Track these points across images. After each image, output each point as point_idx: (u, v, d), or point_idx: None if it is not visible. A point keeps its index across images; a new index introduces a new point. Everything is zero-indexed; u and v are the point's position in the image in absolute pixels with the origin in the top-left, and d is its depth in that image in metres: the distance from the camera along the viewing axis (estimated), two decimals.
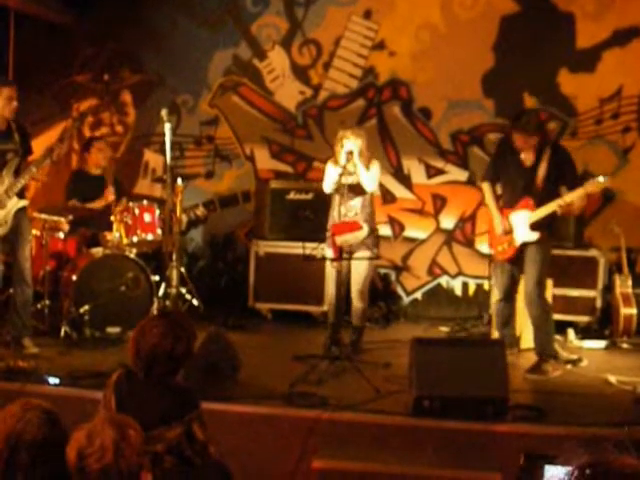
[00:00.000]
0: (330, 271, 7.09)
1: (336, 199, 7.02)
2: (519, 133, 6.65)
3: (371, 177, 6.95)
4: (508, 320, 7.10)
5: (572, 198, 6.52)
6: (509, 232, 6.75)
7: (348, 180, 6.86)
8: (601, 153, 8.68)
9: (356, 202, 6.98)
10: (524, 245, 6.72)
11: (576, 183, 6.62)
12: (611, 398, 6.08)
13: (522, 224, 6.69)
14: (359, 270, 7.04)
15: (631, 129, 8.74)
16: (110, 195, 7.92)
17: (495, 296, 7.17)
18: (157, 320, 3.97)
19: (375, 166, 7.03)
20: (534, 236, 6.65)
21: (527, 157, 6.74)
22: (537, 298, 6.70)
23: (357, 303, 7.18)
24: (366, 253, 6.95)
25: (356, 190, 6.95)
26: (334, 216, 7.04)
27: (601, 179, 6.44)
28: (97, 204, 7.94)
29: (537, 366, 6.65)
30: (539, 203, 6.63)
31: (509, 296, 7.03)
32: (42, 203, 8.12)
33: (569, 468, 2.19)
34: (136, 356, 3.86)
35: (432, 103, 9.08)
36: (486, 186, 7.05)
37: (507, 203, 6.86)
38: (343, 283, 6.98)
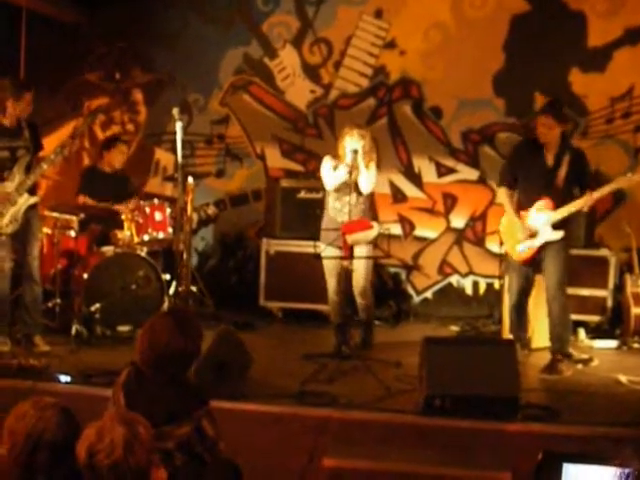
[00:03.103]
0: (329, 271, 7.06)
1: (330, 198, 7.06)
2: (551, 119, 6.66)
3: (369, 179, 6.94)
4: (522, 324, 7.10)
5: (603, 193, 6.60)
6: (534, 235, 6.75)
7: (353, 177, 6.89)
8: (612, 152, 8.66)
9: (351, 198, 6.92)
10: (544, 244, 6.73)
11: (590, 187, 6.68)
12: (622, 398, 6.06)
13: (544, 224, 6.70)
14: (359, 268, 7.01)
15: None
16: (121, 209, 7.86)
17: (510, 301, 7.14)
18: (166, 318, 3.94)
19: (372, 169, 7.00)
20: (558, 235, 6.68)
21: (549, 158, 6.76)
22: (560, 296, 6.73)
23: (360, 300, 7.18)
24: (364, 250, 6.93)
25: (352, 187, 6.94)
26: (329, 215, 7.05)
27: (630, 174, 6.61)
28: (112, 206, 7.93)
29: (552, 366, 6.64)
30: (558, 203, 6.66)
31: (524, 300, 7.03)
32: (53, 201, 8.13)
33: (620, 471, 2.18)
34: (147, 355, 3.84)
35: (443, 102, 9.07)
36: (504, 191, 7.02)
37: (525, 203, 6.86)
38: (346, 281, 7.02)
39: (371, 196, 7.13)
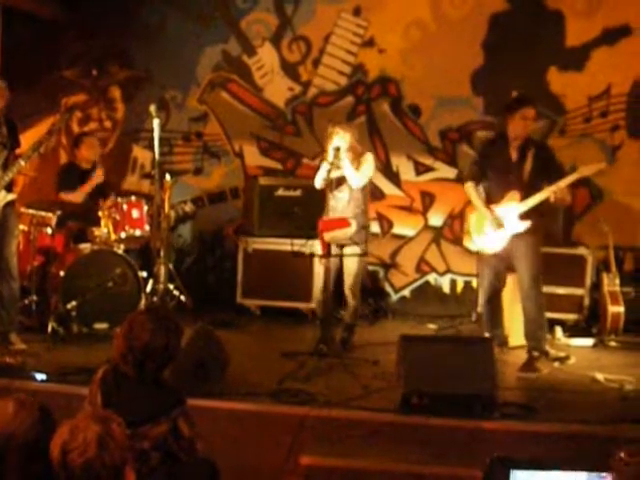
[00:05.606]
0: (319, 268, 7.06)
1: (329, 196, 7.04)
2: (534, 111, 6.75)
3: (360, 173, 6.93)
4: (498, 321, 7.12)
5: (567, 183, 6.60)
6: (501, 227, 6.76)
7: (336, 174, 6.88)
8: (590, 151, 8.69)
9: (344, 195, 6.96)
10: (513, 239, 6.73)
11: (560, 179, 6.69)
12: (598, 396, 6.07)
13: (510, 216, 6.71)
14: (349, 267, 7.03)
15: (619, 127, 8.76)
16: (100, 176, 7.85)
17: (482, 297, 7.16)
18: (146, 316, 3.92)
19: (367, 161, 7.01)
20: (524, 225, 6.68)
21: (513, 152, 6.79)
22: (534, 293, 6.73)
23: (349, 300, 7.18)
24: (355, 249, 6.91)
25: (342, 183, 6.94)
26: (328, 213, 7.03)
27: (595, 163, 6.66)
28: (88, 184, 7.90)
29: (529, 364, 6.65)
30: (526, 196, 6.68)
31: (496, 296, 7.05)
32: (30, 198, 8.09)
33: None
34: (127, 353, 3.81)
35: (421, 100, 9.07)
36: (470, 186, 7.05)
37: (494, 197, 6.89)
38: (332, 280, 6.99)
39: (365, 192, 7.10)
